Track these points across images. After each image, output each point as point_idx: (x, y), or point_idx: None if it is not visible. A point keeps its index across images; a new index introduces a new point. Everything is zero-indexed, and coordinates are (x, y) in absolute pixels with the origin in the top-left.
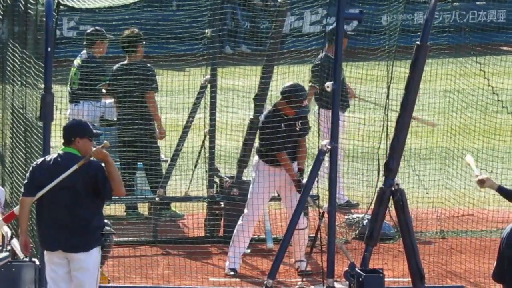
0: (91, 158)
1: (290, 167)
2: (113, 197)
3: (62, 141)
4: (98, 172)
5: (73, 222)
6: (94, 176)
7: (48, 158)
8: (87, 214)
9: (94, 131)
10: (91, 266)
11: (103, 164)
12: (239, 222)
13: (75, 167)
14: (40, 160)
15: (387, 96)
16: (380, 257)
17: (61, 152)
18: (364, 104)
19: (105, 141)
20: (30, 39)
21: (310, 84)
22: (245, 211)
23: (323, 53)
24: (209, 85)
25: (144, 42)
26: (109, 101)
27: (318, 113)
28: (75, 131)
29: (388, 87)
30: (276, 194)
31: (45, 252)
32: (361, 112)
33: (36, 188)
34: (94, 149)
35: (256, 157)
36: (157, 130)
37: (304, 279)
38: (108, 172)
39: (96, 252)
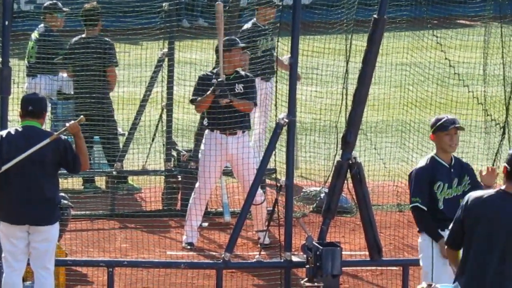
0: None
1: (204, 104)
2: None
3: (24, 114)
4: (67, 146)
5: (42, 195)
6: (63, 150)
7: (12, 131)
8: (53, 187)
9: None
10: (54, 238)
11: (69, 138)
12: (192, 195)
13: (47, 140)
14: (3, 133)
15: (346, 70)
16: (338, 231)
17: (23, 125)
18: (322, 77)
19: (81, 116)
20: None
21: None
22: (197, 184)
23: (252, 20)
24: (166, 59)
25: (102, 18)
26: (66, 74)
27: (276, 86)
28: (45, 105)
29: (347, 61)
30: (228, 167)
31: (3, 225)
32: (318, 86)
33: (2, 162)
34: (70, 123)
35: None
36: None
37: (261, 252)
38: (78, 146)
39: (57, 225)
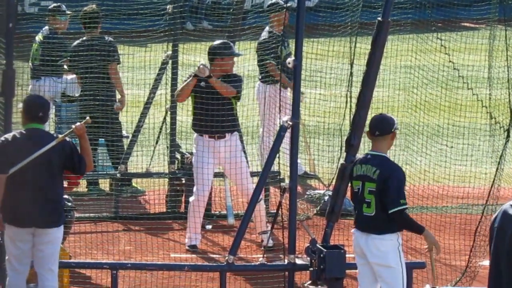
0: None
1: (184, 92)
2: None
3: (31, 118)
4: (73, 149)
5: (48, 198)
6: (70, 153)
7: (17, 134)
8: (59, 189)
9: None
10: (59, 240)
11: (74, 140)
12: (190, 198)
13: (53, 143)
14: (9, 136)
15: (350, 73)
16: (341, 233)
17: (28, 128)
18: (326, 80)
19: (87, 117)
20: None
21: (268, 61)
22: (194, 188)
23: (267, 29)
24: (170, 61)
25: (104, 20)
26: (70, 77)
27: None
28: (49, 108)
29: (351, 64)
30: (222, 169)
31: (9, 228)
32: (322, 89)
33: (9, 165)
34: (76, 124)
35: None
36: (117, 103)
37: (265, 255)
38: (83, 148)
39: (62, 227)
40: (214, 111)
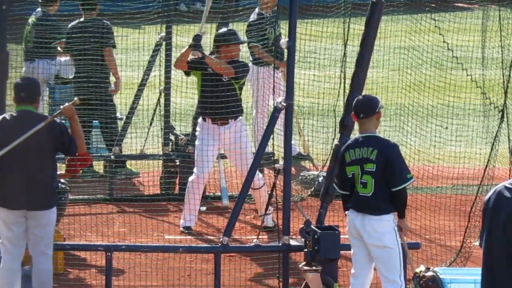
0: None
1: (181, 60)
2: None
3: (18, 100)
4: (63, 130)
5: (39, 180)
6: (60, 134)
7: (7, 116)
8: (50, 172)
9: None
10: (52, 222)
11: (64, 122)
12: (189, 179)
13: (42, 124)
14: None
15: (344, 54)
16: (336, 214)
17: (18, 110)
18: (320, 61)
19: (76, 98)
20: None
21: (254, 44)
22: (195, 168)
23: (256, 11)
24: (164, 43)
25: (100, 1)
26: (64, 59)
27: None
28: (38, 89)
29: (345, 45)
30: (223, 152)
31: (1, 211)
32: (316, 70)
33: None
34: (64, 105)
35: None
36: (112, 85)
37: (260, 236)
38: (73, 129)
39: (55, 209)
40: (218, 97)
